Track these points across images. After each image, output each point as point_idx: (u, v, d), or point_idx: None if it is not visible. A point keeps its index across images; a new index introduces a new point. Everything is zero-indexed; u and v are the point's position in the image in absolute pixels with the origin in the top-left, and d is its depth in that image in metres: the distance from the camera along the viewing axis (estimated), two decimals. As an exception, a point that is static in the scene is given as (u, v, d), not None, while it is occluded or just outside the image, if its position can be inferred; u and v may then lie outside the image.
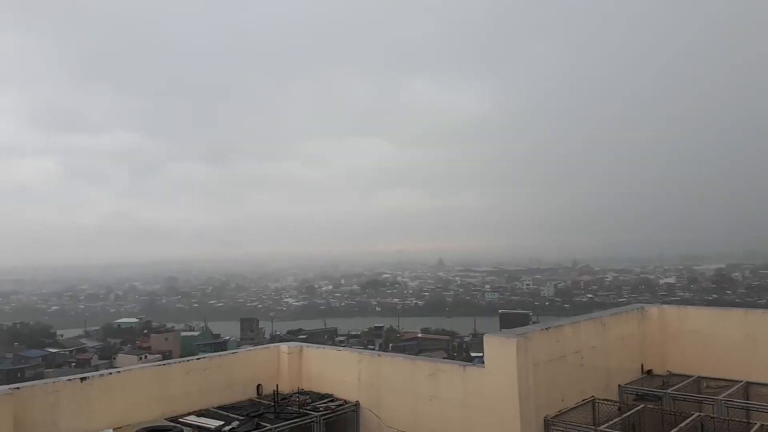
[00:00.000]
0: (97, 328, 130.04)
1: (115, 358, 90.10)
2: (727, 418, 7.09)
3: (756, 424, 6.72)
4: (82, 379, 6.91)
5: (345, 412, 8.04)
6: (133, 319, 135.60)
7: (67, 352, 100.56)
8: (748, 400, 8.10)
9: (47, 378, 8.33)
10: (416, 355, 10.37)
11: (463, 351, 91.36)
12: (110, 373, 7.25)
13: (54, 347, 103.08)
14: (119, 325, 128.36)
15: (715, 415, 7.27)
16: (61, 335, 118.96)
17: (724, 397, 7.85)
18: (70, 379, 6.85)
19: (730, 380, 8.57)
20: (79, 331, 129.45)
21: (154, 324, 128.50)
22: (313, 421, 7.50)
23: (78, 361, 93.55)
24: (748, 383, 8.47)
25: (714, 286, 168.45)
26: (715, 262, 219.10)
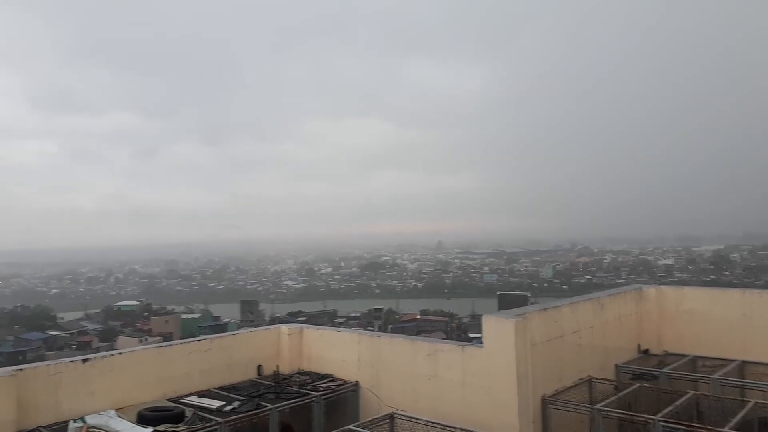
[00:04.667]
0: (98, 310, 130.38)
1: (115, 341, 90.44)
2: (722, 396, 7.18)
3: (750, 402, 6.80)
4: (84, 360, 6.96)
5: (345, 392, 8.12)
6: (134, 302, 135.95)
7: (67, 335, 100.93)
8: (743, 378, 8.19)
9: (49, 360, 8.39)
10: (415, 336, 10.45)
11: (462, 332, 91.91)
12: (112, 355, 7.30)
13: (55, 330, 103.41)
14: (120, 308, 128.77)
15: (710, 394, 7.36)
16: (62, 318, 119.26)
17: (719, 375, 7.93)
18: (72, 361, 6.90)
19: (726, 359, 8.65)
20: (80, 314, 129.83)
21: (155, 307, 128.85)
22: (313, 401, 7.58)
23: (79, 343, 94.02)
24: (744, 362, 8.56)
25: (712, 267, 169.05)
26: (713, 243, 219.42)
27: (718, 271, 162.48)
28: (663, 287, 10.17)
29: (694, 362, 8.94)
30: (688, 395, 7.09)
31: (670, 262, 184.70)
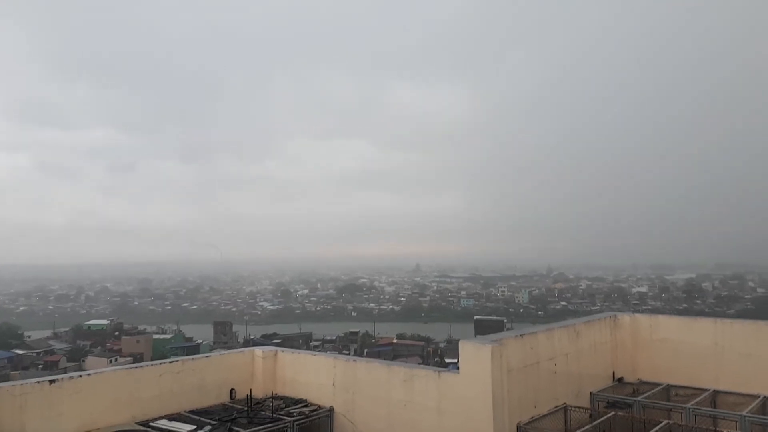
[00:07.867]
0: (67, 329, 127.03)
1: (84, 361, 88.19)
2: (695, 426, 7.23)
3: (723, 431, 6.85)
4: (51, 381, 6.78)
5: (319, 417, 8.01)
6: (104, 321, 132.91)
7: (34, 354, 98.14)
8: (715, 407, 8.27)
9: (14, 380, 8.14)
10: (391, 360, 10.40)
11: (438, 357, 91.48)
12: (80, 376, 7.12)
13: (21, 349, 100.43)
14: (89, 327, 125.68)
15: (683, 423, 7.40)
16: (29, 336, 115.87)
17: (692, 405, 8.00)
18: (38, 381, 6.72)
19: (699, 388, 8.74)
20: (48, 333, 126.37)
21: (126, 326, 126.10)
22: (286, 426, 7.45)
23: (46, 363, 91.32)
24: (716, 391, 8.65)
25: (684, 295, 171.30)
26: (686, 272, 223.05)
27: (691, 299, 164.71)
28: (637, 315, 10.27)
29: (668, 391, 9.02)
30: (662, 424, 7.13)
31: (644, 289, 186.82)
